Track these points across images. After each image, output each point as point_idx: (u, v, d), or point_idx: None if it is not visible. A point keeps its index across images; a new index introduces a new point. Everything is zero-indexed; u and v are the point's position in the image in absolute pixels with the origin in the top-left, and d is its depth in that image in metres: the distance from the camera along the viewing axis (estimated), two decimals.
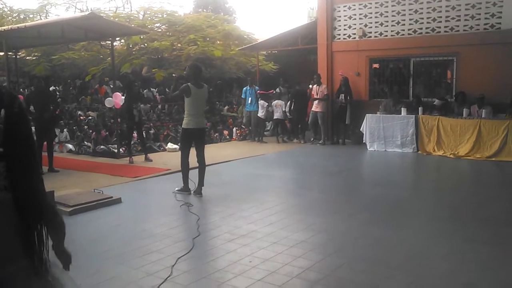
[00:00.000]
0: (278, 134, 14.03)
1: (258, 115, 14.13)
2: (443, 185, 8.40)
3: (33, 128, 12.11)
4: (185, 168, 7.35)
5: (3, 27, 12.48)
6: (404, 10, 12.24)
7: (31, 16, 21.16)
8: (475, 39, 11.30)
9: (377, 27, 12.71)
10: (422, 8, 11.97)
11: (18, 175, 1.72)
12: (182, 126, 7.33)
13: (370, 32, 12.83)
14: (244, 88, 14.37)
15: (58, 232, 2.00)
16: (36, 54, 19.17)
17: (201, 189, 7.29)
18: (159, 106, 17.59)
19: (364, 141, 12.08)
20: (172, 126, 14.53)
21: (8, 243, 1.71)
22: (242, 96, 14.58)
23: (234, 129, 15.14)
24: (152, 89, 18.84)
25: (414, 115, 11.30)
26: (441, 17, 11.75)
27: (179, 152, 12.11)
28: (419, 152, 11.22)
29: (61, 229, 2.04)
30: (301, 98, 13.91)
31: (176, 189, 7.42)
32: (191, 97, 7.03)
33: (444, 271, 4.36)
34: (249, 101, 13.97)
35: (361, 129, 12.14)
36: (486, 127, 10.27)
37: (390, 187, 7.92)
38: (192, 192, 7.35)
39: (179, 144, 7.79)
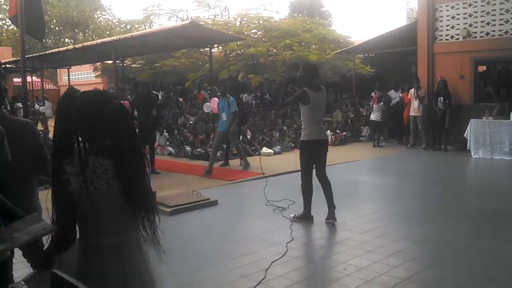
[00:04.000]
0: (374, 138, 13.83)
1: (372, 118, 13.79)
2: None
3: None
4: (308, 190, 6.11)
5: (112, 38, 13.37)
6: None
7: (136, 26, 22.49)
8: None
9: (483, 26, 11.97)
10: None
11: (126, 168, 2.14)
12: (302, 139, 6.10)
13: (475, 32, 12.11)
14: (218, 101, 10.58)
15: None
16: (140, 62, 20.32)
17: (334, 213, 6.04)
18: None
19: (468, 148, 11.39)
20: (267, 131, 14.69)
21: (122, 217, 2.20)
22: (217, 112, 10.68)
23: (328, 133, 14.97)
24: (252, 95, 19.20)
25: None
26: None
27: (273, 157, 12.41)
28: None
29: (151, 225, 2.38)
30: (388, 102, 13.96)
31: (292, 215, 6.27)
32: (310, 104, 5.90)
33: None
34: (223, 118, 10.03)
35: (464, 135, 11.47)
36: None
37: (496, 197, 7.39)
38: (325, 219, 6.08)
39: (300, 161, 6.13)
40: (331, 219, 5.97)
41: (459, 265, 4.59)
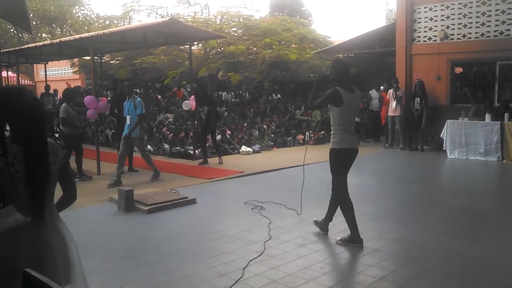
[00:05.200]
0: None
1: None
2: None
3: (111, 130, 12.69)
4: (347, 206, 5.27)
5: (91, 33, 13.19)
6: (490, 11, 11.63)
7: (115, 22, 22.22)
8: None
9: (460, 28, 12.15)
10: (510, 8, 11.32)
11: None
12: (332, 147, 5.25)
13: (453, 34, 12.29)
14: (125, 102, 9.21)
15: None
16: (119, 58, 20.11)
17: (327, 224, 5.59)
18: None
19: (444, 148, 11.58)
20: (246, 129, 14.69)
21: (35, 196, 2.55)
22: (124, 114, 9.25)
23: (307, 133, 15.05)
24: (231, 93, 19.18)
25: (499, 122, 10.68)
26: None
27: (253, 155, 12.42)
28: (504, 161, 10.59)
29: None
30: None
31: (339, 239, 5.32)
32: (343, 107, 5.09)
33: None
34: (128, 121, 8.93)
35: (441, 136, 11.65)
36: None
37: (471, 197, 7.52)
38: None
39: (332, 173, 5.31)
40: (322, 230, 5.59)
41: (435, 264, 4.66)
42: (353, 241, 5.17)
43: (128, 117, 8.90)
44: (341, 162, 5.25)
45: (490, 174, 10.02)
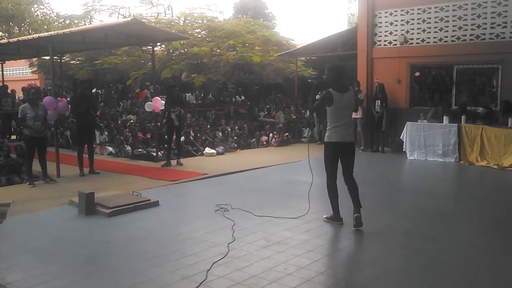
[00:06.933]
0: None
1: None
2: (486, 196, 8.11)
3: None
4: (332, 193, 6.13)
5: (50, 32, 12.88)
6: (448, 17, 11.96)
7: (76, 21, 21.79)
8: None
9: (419, 33, 12.46)
10: (466, 15, 11.67)
11: None
12: (324, 140, 6.15)
13: (412, 39, 12.59)
14: None
15: None
16: (79, 58, 19.71)
17: (360, 218, 5.86)
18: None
19: (404, 150, 11.84)
20: (210, 131, 14.65)
21: None
22: None
23: (271, 134, 15.13)
24: (195, 94, 19.09)
25: (456, 124, 11.00)
26: (486, 23, 11.42)
27: (216, 157, 12.40)
28: (461, 162, 10.91)
29: None
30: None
31: (325, 216, 6.25)
32: (334, 106, 5.87)
33: (486, 285, 4.20)
34: None
35: (401, 137, 11.91)
36: None
37: (430, 197, 7.72)
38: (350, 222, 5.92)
39: (324, 164, 6.15)
40: (358, 226, 5.81)
41: (394, 264, 4.75)
42: (334, 220, 6.09)
43: None
44: (329, 154, 6.06)
45: (448, 174, 10.30)
